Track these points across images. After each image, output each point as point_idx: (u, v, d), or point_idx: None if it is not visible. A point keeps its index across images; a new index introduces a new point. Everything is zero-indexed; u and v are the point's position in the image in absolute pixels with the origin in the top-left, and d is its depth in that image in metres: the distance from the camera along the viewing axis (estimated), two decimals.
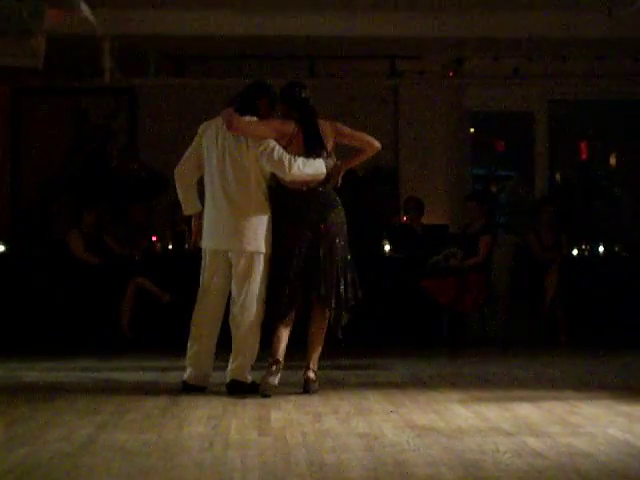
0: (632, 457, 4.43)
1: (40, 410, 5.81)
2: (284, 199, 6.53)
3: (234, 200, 6.45)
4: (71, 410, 5.80)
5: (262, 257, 6.47)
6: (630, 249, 10.49)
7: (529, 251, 10.34)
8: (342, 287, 6.54)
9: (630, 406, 5.84)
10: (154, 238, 10.27)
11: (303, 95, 6.60)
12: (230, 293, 6.53)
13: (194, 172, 6.64)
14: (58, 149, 11.25)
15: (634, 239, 10.77)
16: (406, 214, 10.73)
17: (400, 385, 6.89)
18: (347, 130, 6.69)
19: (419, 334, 9.75)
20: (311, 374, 6.49)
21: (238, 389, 6.38)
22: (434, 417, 5.49)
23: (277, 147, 6.43)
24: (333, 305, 6.50)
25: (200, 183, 6.68)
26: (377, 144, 6.65)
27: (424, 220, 10.63)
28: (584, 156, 12.00)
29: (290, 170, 6.39)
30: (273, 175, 6.53)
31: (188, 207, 6.72)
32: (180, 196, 6.71)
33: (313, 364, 6.53)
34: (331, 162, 6.55)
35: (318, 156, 6.48)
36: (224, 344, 6.57)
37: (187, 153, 6.68)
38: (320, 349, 6.58)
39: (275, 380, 6.40)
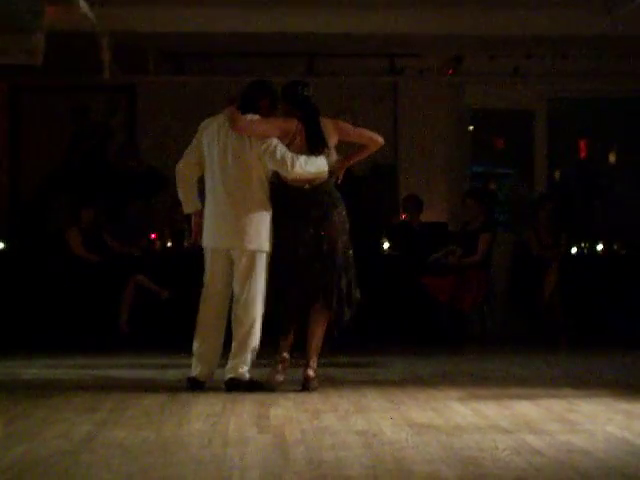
0: (630, 454, 4.44)
1: (39, 407, 5.81)
2: (286, 197, 6.53)
3: (236, 198, 6.45)
4: (70, 407, 5.80)
5: (264, 255, 6.47)
6: (629, 247, 10.48)
7: (528, 249, 10.34)
8: (344, 285, 6.54)
9: (629, 404, 5.84)
10: (153, 236, 10.27)
11: (305, 93, 6.61)
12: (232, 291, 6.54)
13: (195, 170, 6.64)
14: (57, 147, 11.23)
15: (633, 237, 10.77)
16: (405, 212, 10.73)
17: (399, 383, 6.90)
18: (349, 127, 6.71)
19: (418, 332, 9.76)
20: (310, 372, 6.49)
21: (237, 386, 6.38)
22: (433, 415, 5.49)
23: (280, 145, 6.42)
24: (334, 304, 6.51)
25: (200, 182, 6.68)
26: (380, 140, 6.67)
27: (423, 218, 10.64)
28: (583, 154, 12.00)
29: (292, 168, 6.39)
30: (275, 173, 6.53)
31: (188, 205, 6.72)
32: (180, 194, 6.71)
33: (312, 362, 6.53)
34: (333, 160, 6.56)
35: (320, 154, 6.49)
36: (227, 342, 6.58)
37: (187, 151, 6.67)
38: (320, 347, 6.58)
39: (281, 377, 6.45)
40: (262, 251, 6.46)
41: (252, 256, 6.44)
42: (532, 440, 4.72)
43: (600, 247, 10.39)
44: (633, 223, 11.31)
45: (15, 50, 8.21)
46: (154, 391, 6.42)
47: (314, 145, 6.50)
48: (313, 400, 6.07)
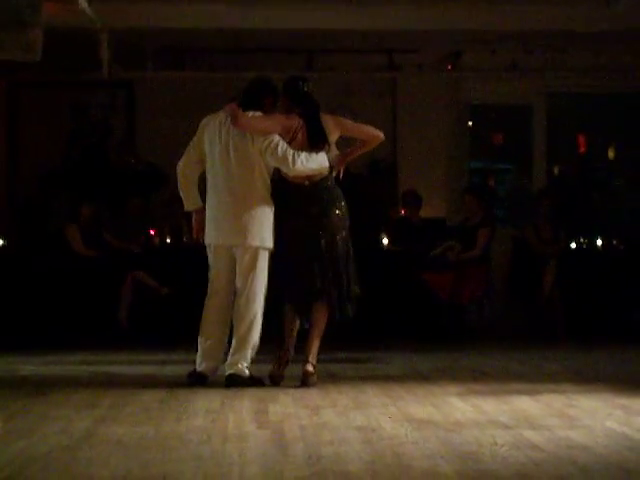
0: (630, 450, 4.44)
1: (38, 404, 5.81)
2: (285, 194, 6.54)
3: (238, 195, 6.45)
4: (69, 403, 5.80)
5: (267, 252, 6.48)
6: (628, 242, 10.48)
7: (527, 244, 10.34)
8: (344, 281, 6.54)
9: (628, 399, 5.85)
10: (152, 232, 10.27)
11: (306, 89, 6.61)
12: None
13: (196, 168, 6.63)
14: (56, 143, 11.21)
15: (632, 232, 10.77)
16: (404, 207, 10.73)
17: (398, 378, 6.90)
18: (350, 123, 6.73)
19: (418, 328, 9.75)
20: (310, 367, 6.49)
21: (237, 382, 6.38)
22: (432, 410, 5.49)
23: (281, 142, 6.42)
24: (334, 301, 6.51)
25: (201, 182, 6.67)
26: (381, 135, 6.69)
27: (422, 213, 10.63)
28: (582, 149, 11.98)
29: (294, 165, 6.40)
30: (275, 169, 6.53)
31: (189, 203, 6.71)
32: (181, 192, 6.70)
33: (312, 357, 6.53)
34: (333, 156, 6.56)
35: (321, 150, 6.49)
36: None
37: (188, 149, 6.67)
38: (319, 343, 6.58)
39: (284, 371, 6.47)
40: (265, 247, 6.46)
41: (255, 252, 6.45)
42: (531, 435, 4.73)
43: (599, 242, 10.39)
44: (632, 218, 11.30)
45: (13, 46, 8.19)
46: (153, 387, 6.42)
47: (315, 141, 6.50)
48: (312, 396, 6.07)
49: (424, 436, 4.73)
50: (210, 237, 6.58)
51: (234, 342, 6.47)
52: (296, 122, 6.53)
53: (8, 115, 11.37)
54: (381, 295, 9.54)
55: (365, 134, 6.70)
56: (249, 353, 6.45)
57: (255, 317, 6.45)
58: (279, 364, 6.50)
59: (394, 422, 5.11)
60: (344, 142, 6.75)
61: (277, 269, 6.52)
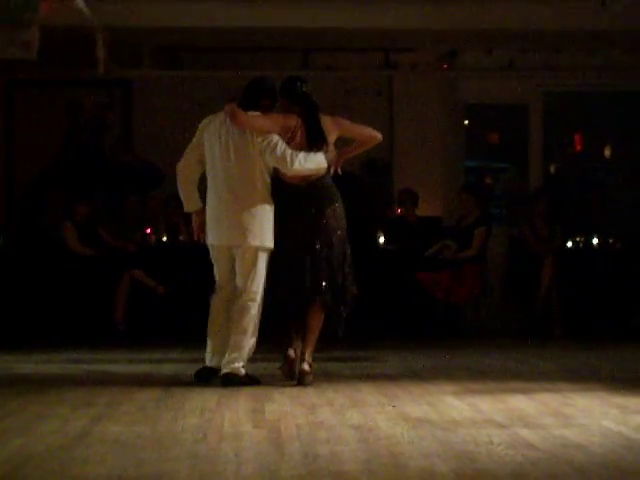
0: (626, 449, 4.44)
1: (34, 402, 5.80)
2: (282, 193, 6.53)
3: (239, 195, 6.45)
4: (65, 402, 5.79)
5: (267, 251, 6.48)
6: (625, 241, 10.49)
7: (524, 243, 10.35)
8: (340, 281, 6.55)
9: (624, 398, 5.85)
10: (148, 230, 10.27)
11: (304, 89, 6.61)
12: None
13: (196, 169, 6.63)
14: (52, 141, 11.20)
15: (629, 230, 10.78)
16: (401, 206, 10.73)
17: (394, 377, 6.90)
18: (348, 124, 6.72)
19: (413, 326, 9.76)
20: (306, 366, 6.49)
21: (233, 381, 6.38)
22: (428, 409, 5.49)
23: (280, 142, 6.42)
24: (329, 301, 6.51)
25: (201, 183, 6.66)
26: (379, 136, 6.70)
27: (418, 212, 10.63)
28: (579, 148, 12.00)
29: (292, 165, 6.40)
30: (273, 169, 6.53)
31: (189, 204, 6.71)
32: (181, 193, 6.70)
33: (308, 356, 6.53)
34: (331, 156, 6.56)
35: (319, 150, 6.49)
36: None
37: (187, 150, 6.66)
38: (315, 342, 6.58)
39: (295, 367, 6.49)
40: (265, 247, 6.46)
41: (255, 252, 6.45)
42: (527, 434, 4.73)
43: (595, 241, 10.40)
44: (628, 217, 11.31)
45: (10, 44, 8.19)
46: (149, 386, 6.41)
47: (314, 141, 6.51)
48: (308, 395, 6.07)
49: (420, 435, 4.73)
50: (211, 237, 6.58)
51: (231, 341, 6.47)
52: (295, 122, 6.53)
53: (4, 113, 11.36)
54: (377, 294, 9.54)
55: (363, 135, 6.71)
56: (245, 352, 6.45)
57: (254, 317, 6.44)
58: (288, 362, 6.49)
59: (390, 421, 5.11)
60: (342, 142, 6.76)
61: (273, 270, 6.51)
